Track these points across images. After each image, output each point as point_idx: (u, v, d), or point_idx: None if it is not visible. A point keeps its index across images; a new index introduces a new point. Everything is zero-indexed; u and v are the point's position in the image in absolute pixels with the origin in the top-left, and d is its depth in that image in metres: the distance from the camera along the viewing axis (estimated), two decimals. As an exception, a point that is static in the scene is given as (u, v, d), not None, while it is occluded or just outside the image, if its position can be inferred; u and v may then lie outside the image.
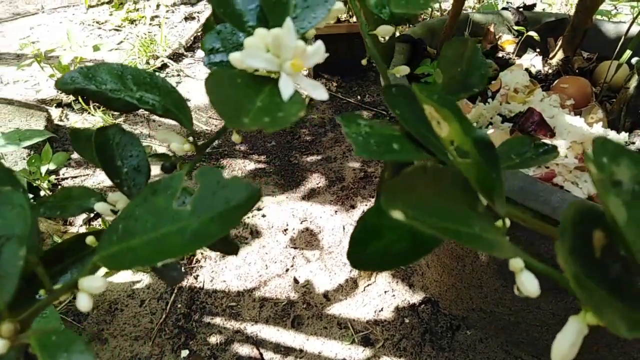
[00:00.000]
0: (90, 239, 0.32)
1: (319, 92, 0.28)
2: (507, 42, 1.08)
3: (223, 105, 0.23)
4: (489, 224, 0.26)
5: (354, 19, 1.61)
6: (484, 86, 0.40)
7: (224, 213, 0.27)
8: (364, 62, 0.44)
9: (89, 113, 1.38)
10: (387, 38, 0.44)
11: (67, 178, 1.18)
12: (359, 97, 1.54)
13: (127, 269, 0.24)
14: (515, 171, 0.64)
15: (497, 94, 0.82)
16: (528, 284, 0.23)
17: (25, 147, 0.99)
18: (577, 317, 0.20)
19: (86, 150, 0.37)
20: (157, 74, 0.39)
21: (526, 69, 0.96)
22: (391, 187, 0.20)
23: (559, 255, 0.19)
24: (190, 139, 0.37)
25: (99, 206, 0.35)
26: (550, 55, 1.03)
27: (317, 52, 0.28)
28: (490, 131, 0.73)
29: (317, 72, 1.64)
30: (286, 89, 0.27)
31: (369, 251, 0.28)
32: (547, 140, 0.72)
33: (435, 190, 0.23)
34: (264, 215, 1.08)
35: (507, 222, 0.28)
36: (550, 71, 0.99)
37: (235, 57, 0.28)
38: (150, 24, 1.98)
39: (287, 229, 1.02)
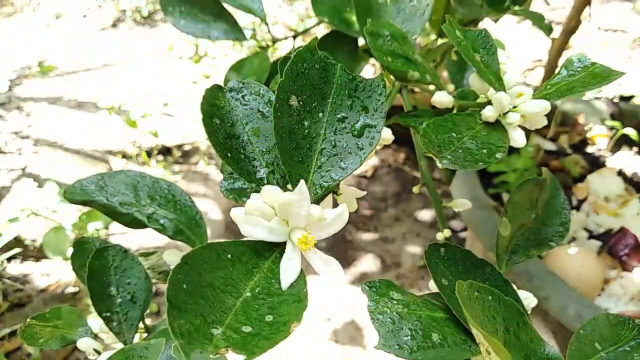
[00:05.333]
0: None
1: (332, 272, 0.22)
2: (599, 136, 0.97)
3: (182, 312, 0.17)
4: None
5: (432, 87, 1.55)
6: (564, 239, 0.32)
7: None
8: (415, 190, 0.37)
9: (148, 166, 1.41)
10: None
11: (115, 234, 1.18)
12: (427, 172, 1.46)
13: None
14: (589, 303, 0.53)
15: (584, 203, 0.71)
16: None
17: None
18: None
19: (84, 269, 0.33)
20: (177, 185, 0.35)
21: (619, 172, 0.84)
22: None
23: None
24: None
25: (83, 344, 0.30)
26: (651, 157, 0.90)
27: (338, 219, 0.22)
28: (572, 250, 0.62)
29: (385, 142, 1.59)
30: (288, 271, 0.21)
31: None
32: (644, 270, 0.60)
33: None
34: (308, 296, 1.00)
35: None
36: (650, 175, 0.86)
37: (234, 216, 0.22)
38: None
39: (330, 318, 0.94)
